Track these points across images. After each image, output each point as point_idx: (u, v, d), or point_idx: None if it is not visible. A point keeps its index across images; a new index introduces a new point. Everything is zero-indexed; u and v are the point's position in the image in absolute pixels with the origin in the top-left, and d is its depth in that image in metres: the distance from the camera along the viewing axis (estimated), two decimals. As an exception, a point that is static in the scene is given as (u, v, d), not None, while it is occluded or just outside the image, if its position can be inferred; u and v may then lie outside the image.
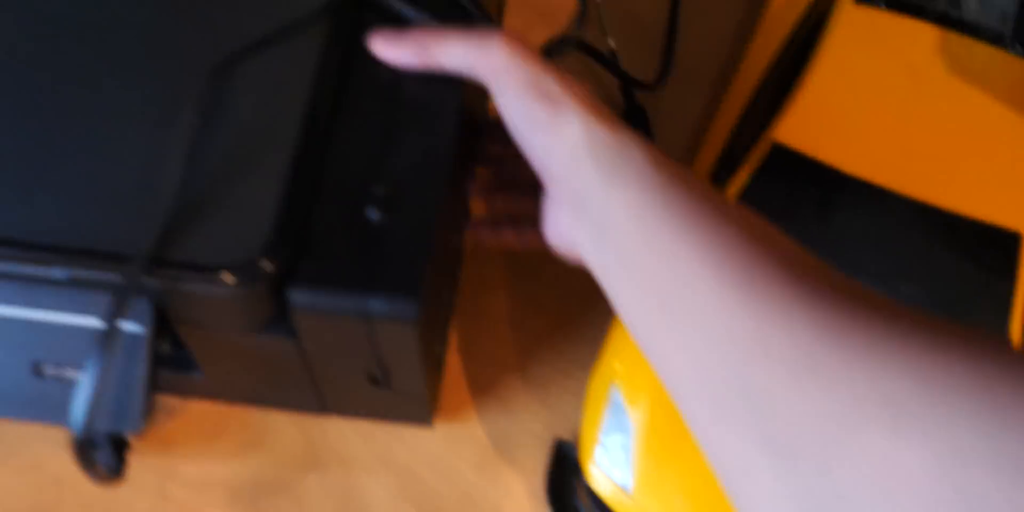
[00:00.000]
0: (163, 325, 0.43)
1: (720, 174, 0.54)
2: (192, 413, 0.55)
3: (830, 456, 0.26)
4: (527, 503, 0.54)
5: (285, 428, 0.55)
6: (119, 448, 0.46)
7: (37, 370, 0.42)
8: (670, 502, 0.48)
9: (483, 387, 0.57)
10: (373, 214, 0.41)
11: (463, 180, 0.49)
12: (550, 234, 0.42)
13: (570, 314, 0.58)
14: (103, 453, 0.46)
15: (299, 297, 0.40)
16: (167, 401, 0.55)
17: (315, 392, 0.50)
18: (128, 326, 0.41)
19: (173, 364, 0.49)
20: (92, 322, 0.41)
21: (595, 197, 0.36)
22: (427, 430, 0.55)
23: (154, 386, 0.43)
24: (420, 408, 0.51)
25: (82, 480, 0.42)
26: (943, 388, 0.25)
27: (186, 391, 0.54)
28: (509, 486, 0.54)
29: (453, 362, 0.57)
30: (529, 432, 0.56)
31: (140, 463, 0.53)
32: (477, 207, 0.52)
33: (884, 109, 0.51)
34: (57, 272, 0.40)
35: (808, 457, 0.27)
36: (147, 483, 0.53)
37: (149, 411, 0.44)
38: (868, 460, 0.26)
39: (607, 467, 0.49)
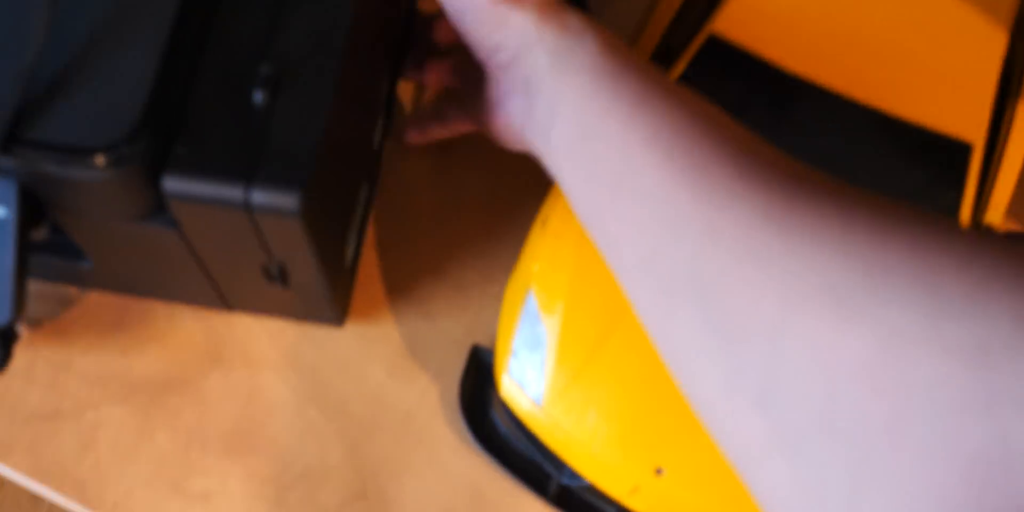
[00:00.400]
0: (35, 210, 0.40)
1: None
2: (90, 304, 0.52)
3: (775, 342, 0.26)
4: (440, 410, 0.51)
5: (189, 323, 0.52)
6: (6, 339, 0.44)
7: None
8: (581, 416, 0.46)
9: (401, 288, 0.54)
10: (259, 96, 0.37)
11: (375, 61, 0.45)
12: (497, 122, 0.41)
13: (497, 214, 0.55)
14: (-13, 344, 0.43)
15: (173, 184, 0.37)
16: (65, 291, 0.52)
17: (213, 287, 0.47)
18: (-11, 209, 0.38)
19: (56, 251, 0.46)
20: (-53, 204, 0.38)
21: (545, 84, 0.36)
22: (339, 330, 0.52)
23: (24, 273, 0.40)
24: (326, 307, 0.48)
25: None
26: (884, 272, 0.25)
27: (80, 281, 0.51)
28: (422, 392, 0.52)
29: (370, 260, 0.54)
30: (447, 337, 0.53)
31: (33, 354, 0.51)
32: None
33: (835, 4, 0.47)
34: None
35: (754, 344, 0.27)
36: (40, 375, 0.51)
37: (22, 301, 0.41)
38: (811, 346, 0.26)
39: (520, 377, 0.47)
